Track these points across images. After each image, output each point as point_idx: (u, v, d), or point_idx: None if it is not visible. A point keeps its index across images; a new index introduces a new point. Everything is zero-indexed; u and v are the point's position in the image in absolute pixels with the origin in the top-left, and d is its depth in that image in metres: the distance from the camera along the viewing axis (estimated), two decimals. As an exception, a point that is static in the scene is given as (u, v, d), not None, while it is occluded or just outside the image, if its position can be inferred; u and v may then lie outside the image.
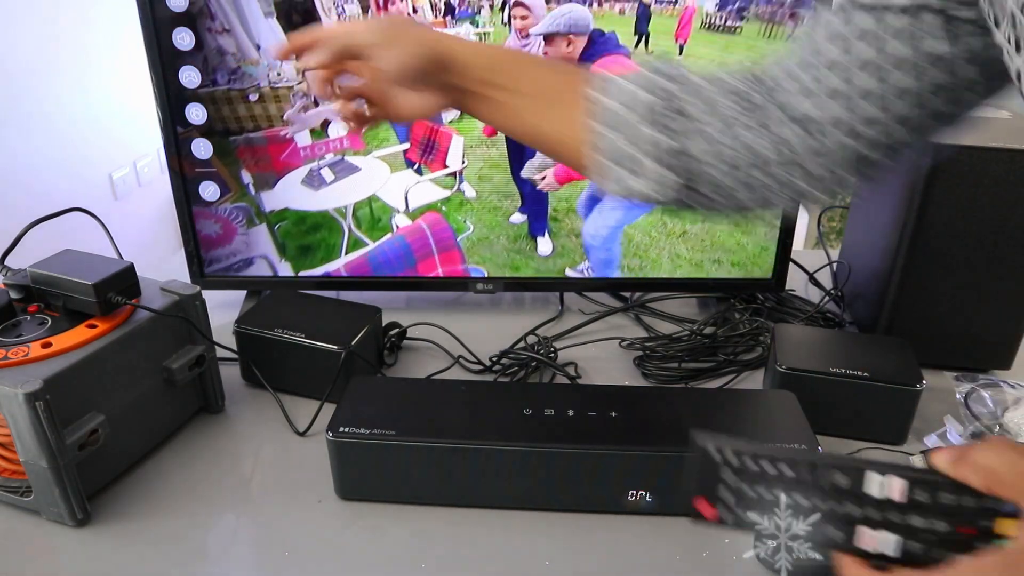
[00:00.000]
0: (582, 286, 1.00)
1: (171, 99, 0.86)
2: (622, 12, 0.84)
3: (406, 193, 0.93)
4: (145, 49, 0.83)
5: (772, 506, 0.34)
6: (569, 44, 0.87)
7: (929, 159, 0.75)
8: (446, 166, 0.91)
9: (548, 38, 0.86)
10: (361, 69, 0.58)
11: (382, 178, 0.93)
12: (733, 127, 0.51)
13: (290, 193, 0.92)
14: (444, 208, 0.93)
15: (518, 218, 0.94)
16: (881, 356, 0.74)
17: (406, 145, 0.91)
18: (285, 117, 0.87)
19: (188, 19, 0.82)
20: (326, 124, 0.89)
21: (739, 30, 0.84)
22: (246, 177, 0.90)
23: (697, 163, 0.52)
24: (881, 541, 0.32)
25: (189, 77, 0.85)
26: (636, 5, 0.83)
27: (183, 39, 0.83)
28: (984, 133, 0.78)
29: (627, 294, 1.02)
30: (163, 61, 0.84)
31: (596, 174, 0.55)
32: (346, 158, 0.91)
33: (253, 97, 0.87)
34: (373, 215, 0.93)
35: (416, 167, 0.92)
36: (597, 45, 0.86)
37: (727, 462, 0.36)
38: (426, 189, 0.93)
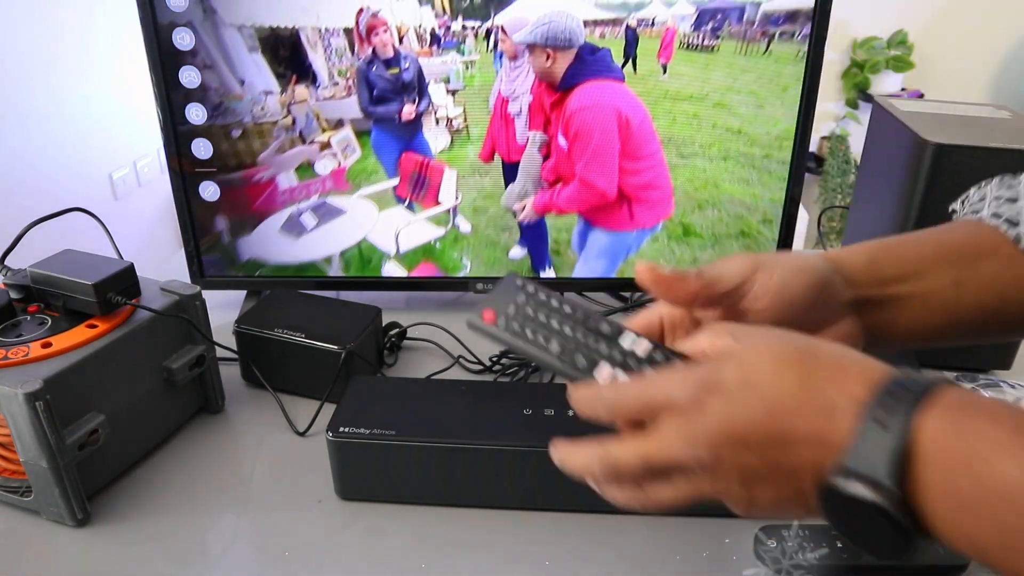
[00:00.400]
0: (582, 286, 1.00)
1: (171, 99, 0.86)
2: (603, 35, 0.83)
3: (397, 235, 0.88)
4: (145, 49, 0.83)
5: (544, 328, 0.40)
6: (549, 59, 0.82)
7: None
8: (439, 202, 0.88)
9: (530, 48, 0.83)
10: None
11: (371, 219, 0.87)
12: None
13: (269, 241, 0.90)
14: (439, 246, 0.91)
15: (518, 252, 0.92)
16: (881, 356, 0.74)
17: (395, 180, 0.88)
18: (259, 159, 0.85)
19: (188, 20, 0.82)
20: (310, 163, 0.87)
21: (716, 48, 0.84)
22: (220, 223, 0.88)
23: None
24: (614, 376, 0.39)
25: (189, 77, 0.85)
26: (623, 29, 0.83)
27: (183, 39, 0.83)
28: (984, 133, 0.78)
29: (627, 294, 1.02)
30: (163, 61, 0.84)
31: None
32: (329, 200, 0.87)
33: (236, 133, 0.86)
34: (362, 256, 0.91)
35: (407, 203, 0.89)
36: (585, 64, 0.83)
37: (524, 288, 0.42)
38: (419, 229, 0.89)
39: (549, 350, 0.40)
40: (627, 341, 0.40)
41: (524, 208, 0.90)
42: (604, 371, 0.39)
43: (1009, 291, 0.45)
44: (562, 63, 0.83)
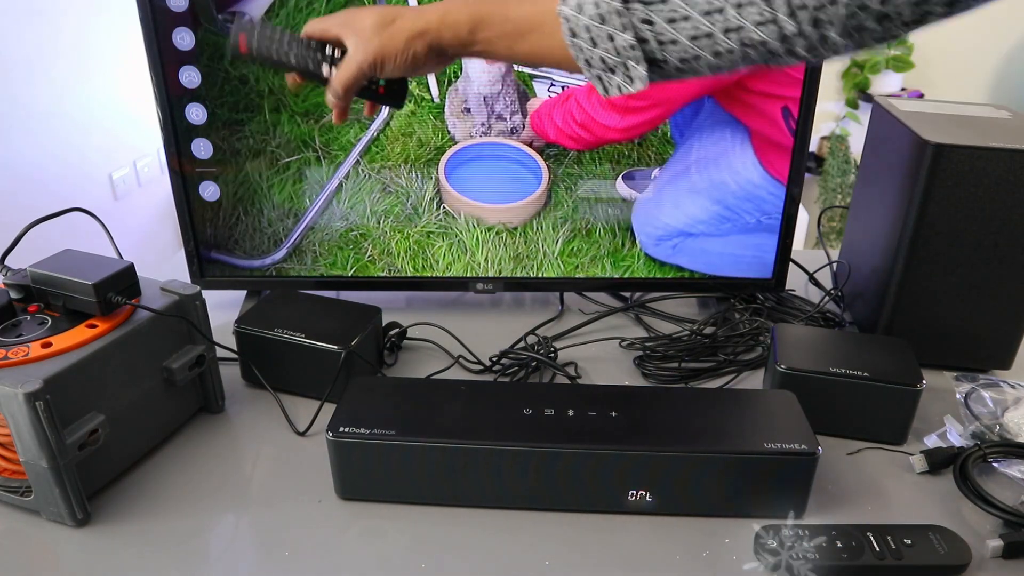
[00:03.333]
0: (582, 286, 1.00)
1: (171, 99, 0.86)
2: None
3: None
4: (145, 49, 0.83)
5: (279, 42, 0.63)
6: None
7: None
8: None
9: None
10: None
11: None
12: None
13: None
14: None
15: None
16: (881, 356, 0.74)
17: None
18: None
19: (188, 19, 0.82)
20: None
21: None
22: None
23: (667, 44, 0.53)
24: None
25: (189, 77, 0.85)
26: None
27: (183, 39, 0.83)
28: (984, 133, 0.78)
29: (627, 294, 1.02)
30: (163, 61, 0.84)
31: (596, 83, 0.57)
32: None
33: None
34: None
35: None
36: None
37: (253, 22, 0.63)
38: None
39: (289, 59, 0.63)
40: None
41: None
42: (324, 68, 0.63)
43: (547, 58, 0.59)
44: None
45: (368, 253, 0.94)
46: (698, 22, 0.52)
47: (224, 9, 0.82)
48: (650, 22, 0.53)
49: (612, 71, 0.55)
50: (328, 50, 0.64)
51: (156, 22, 0.82)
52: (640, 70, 0.54)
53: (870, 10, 0.48)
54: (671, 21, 0.52)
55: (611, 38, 0.54)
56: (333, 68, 0.63)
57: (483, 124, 0.89)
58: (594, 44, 0.55)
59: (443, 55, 0.62)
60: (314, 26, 0.64)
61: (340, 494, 0.66)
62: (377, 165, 0.90)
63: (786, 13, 0.49)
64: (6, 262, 0.68)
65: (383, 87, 0.67)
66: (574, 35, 0.55)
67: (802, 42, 0.50)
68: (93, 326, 0.63)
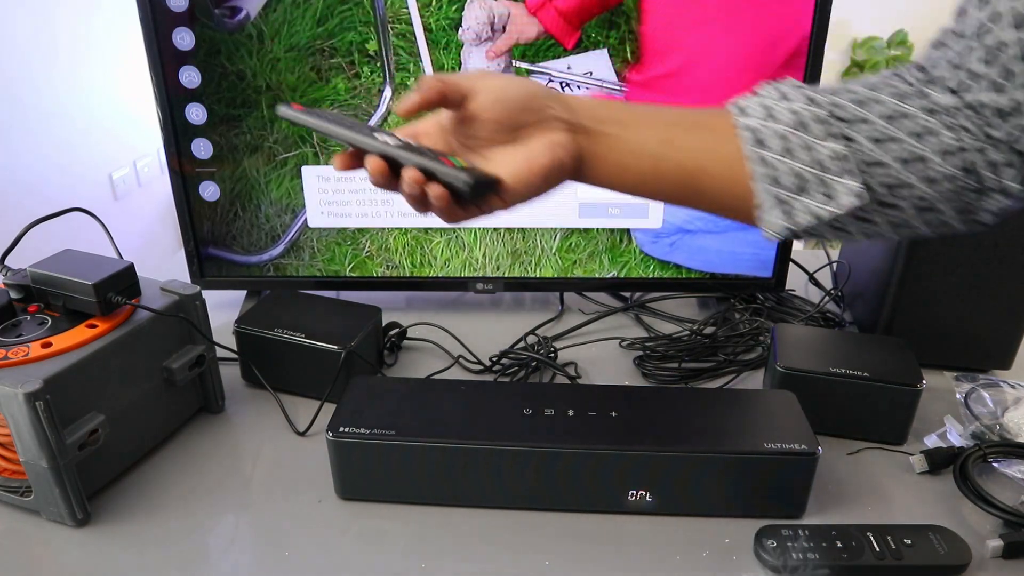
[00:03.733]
0: (582, 286, 1.00)
1: (171, 99, 0.86)
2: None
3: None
4: (145, 49, 0.83)
5: (328, 119, 0.49)
6: None
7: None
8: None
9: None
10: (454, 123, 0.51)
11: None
12: (902, 118, 0.46)
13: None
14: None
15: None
16: (881, 356, 0.74)
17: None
18: None
19: (188, 19, 0.82)
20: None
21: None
22: None
23: (873, 166, 0.46)
24: (388, 140, 0.47)
25: (189, 77, 0.85)
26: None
27: (183, 39, 0.83)
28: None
29: (627, 294, 1.02)
30: (163, 61, 0.84)
31: (773, 212, 0.48)
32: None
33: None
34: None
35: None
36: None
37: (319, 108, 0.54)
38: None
39: (338, 128, 0.48)
40: (383, 135, 0.49)
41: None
42: (386, 139, 0.48)
43: (709, 162, 0.49)
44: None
45: (366, 249, 0.94)
46: (909, 144, 0.45)
47: (222, 4, 0.81)
48: (851, 139, 0.46)
49: (804, 191, 0.47)
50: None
51: (156, 22, 0.82)
52: (851, 183, 0.46)
53: None
54: (876, 141, 0.46)
55: (810, 148, 0.46)
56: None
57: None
58: (788, 155, 0.47)
59: (555, 126, 0.51)
60: None
61: (340, 494, 0.66)
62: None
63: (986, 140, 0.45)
64: (6, 262, 0.68)
65: None
66: (760, 145, 0.47)
67: (1010, 172, 0.46)
68: (93, 326, 0.63)
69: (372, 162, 0.47)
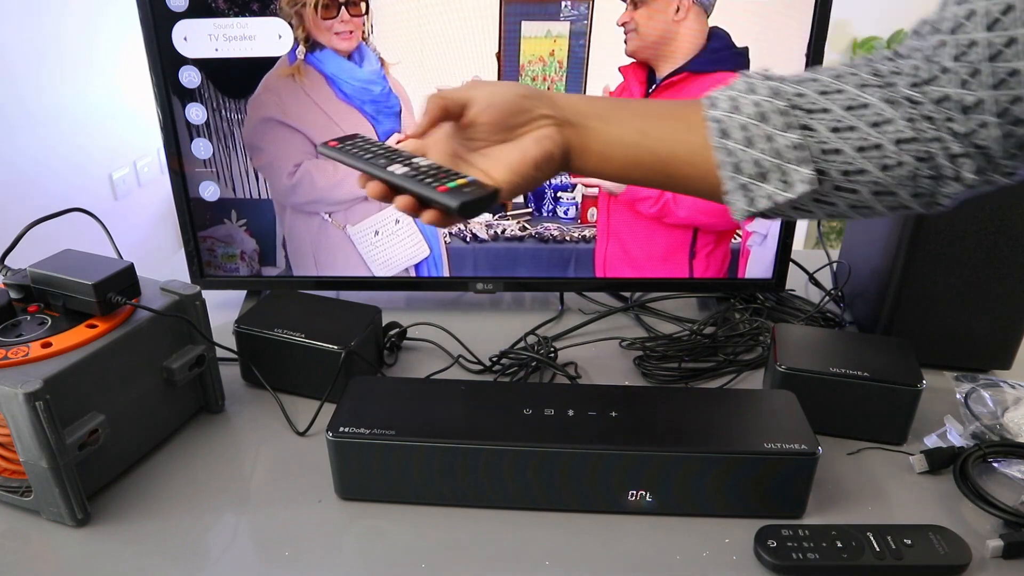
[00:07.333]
0: (582, 286, 1.00)
1: (171, 99, 0.86)
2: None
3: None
4: (145, 49, 0.83)
5: (360, 152, 0.55)
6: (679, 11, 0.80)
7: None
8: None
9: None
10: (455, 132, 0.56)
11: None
12: (863, 103, 0.48)
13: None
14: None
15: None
16: (881, 356, 0.74)
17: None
18: None
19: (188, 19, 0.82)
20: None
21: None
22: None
23: (830, 153, 0.49)
24: (397, 168, 0.52)
25: (189, 77, 0.85)
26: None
27: (183, 39, 0.83)
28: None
29: (627, 294, 1.02)
30: (163, 61, 0.84)
31: (736, 196, 0.52)
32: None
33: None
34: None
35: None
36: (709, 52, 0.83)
37: (356, 142, 0.56)
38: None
39: (362, 159, 0.54)
40: (395, 161, 0.54)
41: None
42: (395, 167, 0.52)
43: (680, 150, 0.53)
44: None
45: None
46: (865, 132, 0.48)
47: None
48: (811, 129, 0.49)
49: (764, 177, 0.50)
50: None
51: (156, 22, 0.82)
52: (804, 171, 0.49)
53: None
54: (835, 130, 0.49)
55: (770, 139, 0.49)
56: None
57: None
58: (749, 144, 0.50)
59: (543, 123, 0.55)
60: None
61: (340, 494, 0.66)
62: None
63: (948, 133, 0.47)
64: (6, 262, 0.68)
65: None
66: (725, 135, 0.51)
67: (968, 163, 0.48)
68: (93, 326, 0.63)
69: (372, 187, 0.53)
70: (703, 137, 0.52)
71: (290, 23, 0.82)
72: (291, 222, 0.92)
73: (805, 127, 0.49)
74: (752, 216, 0.53)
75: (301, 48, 0.83)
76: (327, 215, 0.91)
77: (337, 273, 0.95)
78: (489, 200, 0.51)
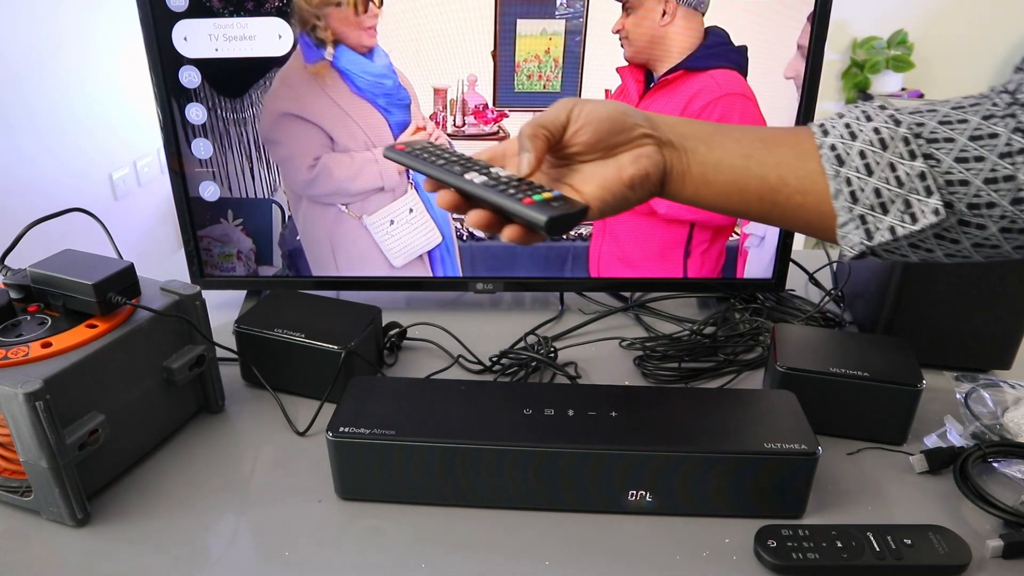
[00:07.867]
0: (582, 286, 1.00)
1: (171, 99, 0.86)
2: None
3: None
4: (145, 49, 0.83)
5: (431, 158, 0.52)
6: (665, 14, 0.80)
7: None
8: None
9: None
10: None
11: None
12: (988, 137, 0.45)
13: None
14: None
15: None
16: (881, 356, 0.74)
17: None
18: None
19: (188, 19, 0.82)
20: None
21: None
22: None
23: (956, 185, 0.46)
24: (475, 177, 0.49)
25: (189, 77, 0.85)
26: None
27: (183, 39, 0.83)
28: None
29: (627, 294, 1.02)
30: (163, 61, 0.84)
31: (851, 228, 0.49)
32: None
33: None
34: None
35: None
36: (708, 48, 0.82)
37: (425, 147, 0.54)
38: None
39: (436, 165, 0.51)
40: (473, 170, 0.51)
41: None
42: (469, 175, 0.49)
43: (790, 177, 0.50)
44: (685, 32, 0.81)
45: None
46: (995, 163, 0.44)
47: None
48: (934, 159, 0.46)
49: (884, 208, 0.47)
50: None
51: (156, 22, 0.82)
52: (932, 202, 0.45)
53: None
54: (961, 160, 0.45)
55: (892, 167, 0.46)
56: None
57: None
58: (869, 172, 0.47)
59: (641, 143, 0.53)
60: None
61: (340, 494, 0.66)
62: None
63: None
64: (6, 262, 0.68)
65: None
66: (841, 162, 0.47)
67: None
68: (93, 326, 0.63)
69: (445, 196, 0.50)
70: (816, 164, 0.49)
71: (313, 24, 0.82)
72: (307, 213, 0.92)
73: (929, 156, 0.46)
74: (865, 255, 0.49)
75: (329, 50, 0.83)
76: (343, 206, 0.91)
77: (352, 261, 0.94)
78: (577, 218, 0.47)
